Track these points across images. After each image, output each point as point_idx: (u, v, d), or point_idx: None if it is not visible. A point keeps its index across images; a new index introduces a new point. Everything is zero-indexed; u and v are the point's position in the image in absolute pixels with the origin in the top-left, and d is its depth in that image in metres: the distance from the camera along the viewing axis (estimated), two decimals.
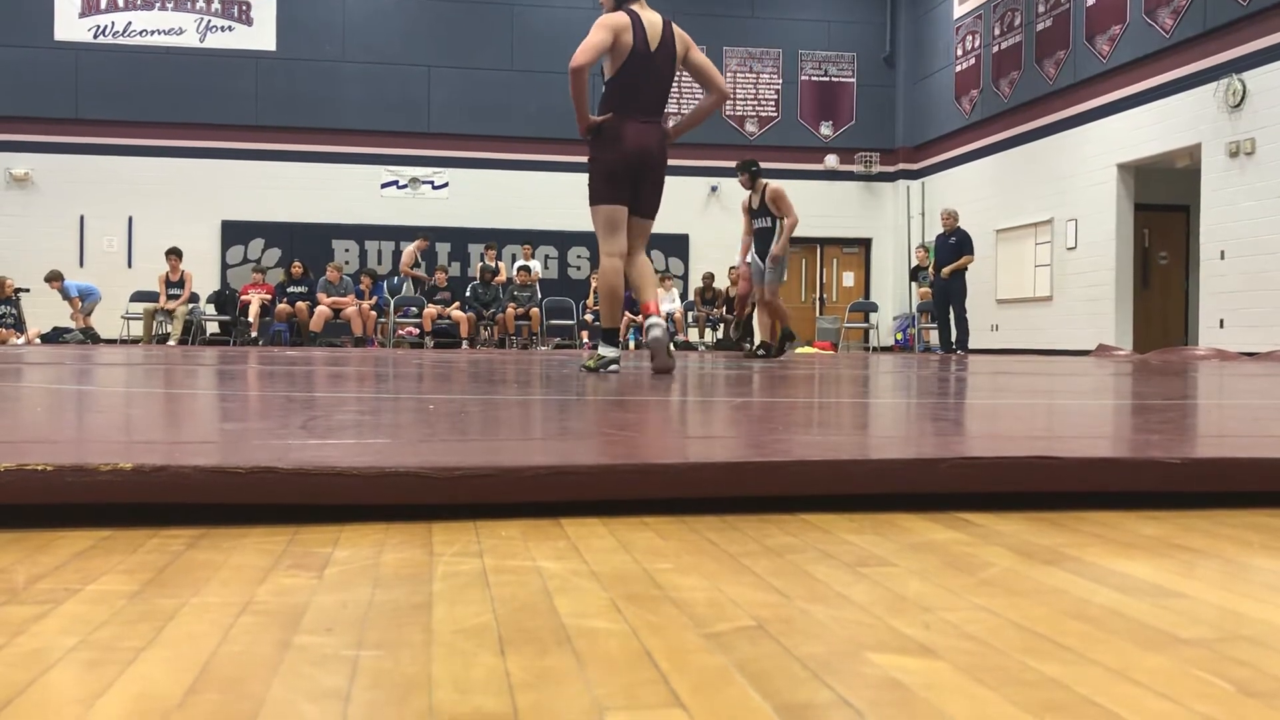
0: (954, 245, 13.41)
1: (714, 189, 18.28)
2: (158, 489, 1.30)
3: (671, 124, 5.52)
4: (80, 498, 1.29)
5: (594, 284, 16.54)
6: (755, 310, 9.73)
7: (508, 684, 0.74)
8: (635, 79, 5.07)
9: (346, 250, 17.34)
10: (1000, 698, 0.71)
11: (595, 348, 8.01)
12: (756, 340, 10.05)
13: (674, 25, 5.21)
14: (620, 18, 5.03)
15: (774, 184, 9.17)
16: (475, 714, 0.68)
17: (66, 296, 15.01)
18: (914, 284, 16.37)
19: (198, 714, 0.67)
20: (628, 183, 5.14)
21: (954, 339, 13.52)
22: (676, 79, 5.39)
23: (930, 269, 14.12)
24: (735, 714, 0.68)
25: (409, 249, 16.00)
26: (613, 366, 5.14)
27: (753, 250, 9.28)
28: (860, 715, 0.68)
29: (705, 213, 18.47)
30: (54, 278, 14.95)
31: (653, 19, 5.10)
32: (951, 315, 13.51)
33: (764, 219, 9.16)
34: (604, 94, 5.16)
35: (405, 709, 0.69)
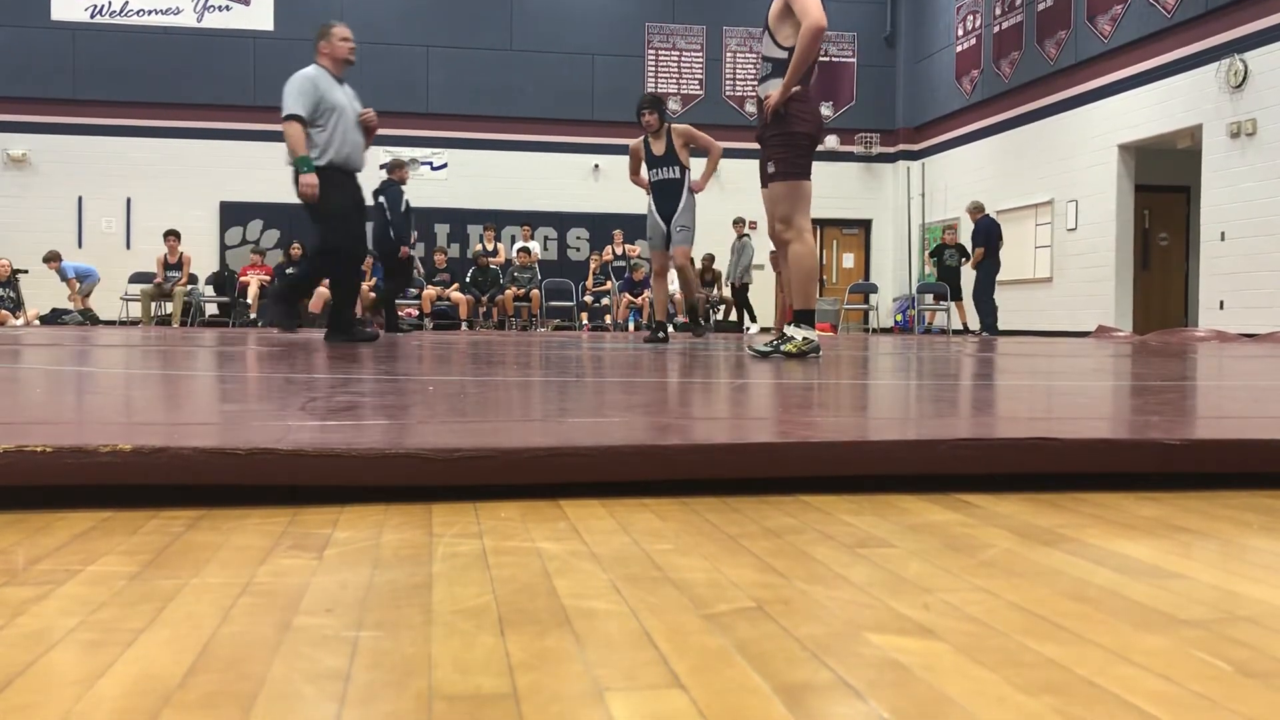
0: (973, 237, 14.05)
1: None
2: (157, 470, 1.30)
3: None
4: (80, 479, 1.29)
5: (594, 265, 16.49)
6: (653, 281, 8.36)
7: (507, 664, 0.74)
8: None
9: None
10: (999, 678, 0.71)
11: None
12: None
13: None
14: None
15: (680, 125, 7.74)
16: (475, 694, 0.68)
17: (64, 278, 14.98)
18: (933, 260, 16.13)
19: (198, 694, 0.67)
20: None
21: (979, 322, 13.95)
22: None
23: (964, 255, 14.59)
24: (735, 694, 0.68)
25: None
26: (817, 353, 4.82)
27: (651, 207, 7.80)
28: (859, 695, 0.68)
29: (704, 192, 18.42)
30: (52, 258, 14.92)
31: None
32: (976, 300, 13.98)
33: (670, 168, 7.65)
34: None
35: (405, 689, 0.69)
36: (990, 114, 16.64)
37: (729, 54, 18.49)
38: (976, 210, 14.16)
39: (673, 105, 18.02)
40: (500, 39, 17.86)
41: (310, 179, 6.23)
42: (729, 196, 16.98)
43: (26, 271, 15.09)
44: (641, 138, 7.73)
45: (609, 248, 16.58)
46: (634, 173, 8.11)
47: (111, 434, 1.42)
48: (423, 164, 17.80)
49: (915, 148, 18.98)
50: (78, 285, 15.07)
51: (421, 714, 0.65)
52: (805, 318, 4.87)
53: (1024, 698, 0.68)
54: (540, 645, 0.78)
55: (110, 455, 1.29)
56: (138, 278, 15.52)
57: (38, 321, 14.70)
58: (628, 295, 15.72)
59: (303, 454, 1.34)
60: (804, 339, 4.79)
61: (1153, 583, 0.99)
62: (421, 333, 11.86)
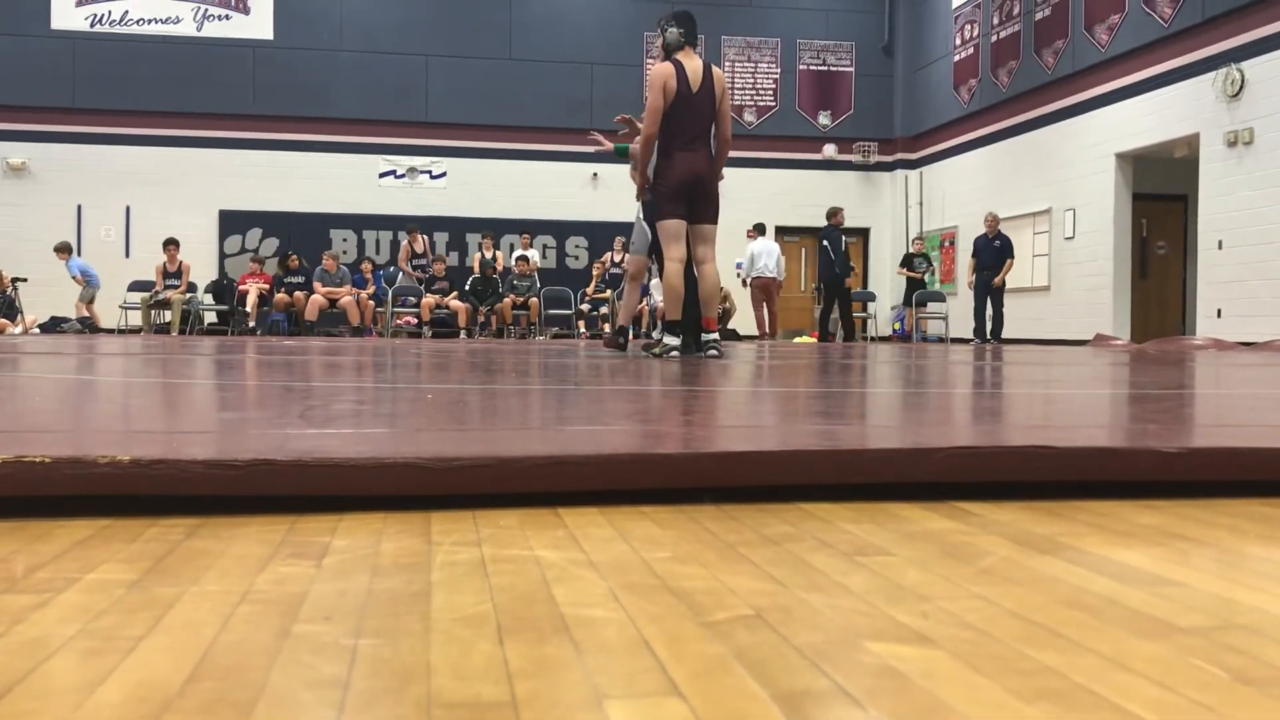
0: (999, 248, 14.21)
1: None
2: (155, 481, 1.30)
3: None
4: (78, 490, 1.29)
5: (596, 272, 16.51)
6: (627, 285, 7.75)
7: (506, 672, 0.74)
8: (680, 117, 6.01)
9: (344, 240, 17.30)
10: (997, 686, 0.72)
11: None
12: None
13: (714, 69, 6.15)
14: (665, 68, 6.03)
15: None
16: (474, 702, 0.68)
17: (71, 274, 15.05)
18: (905, 270, 16.55)
19: (197, 702, 0.68)
20: (682, 202, 6.12)
21: (990, 330, 14.26)
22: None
23: (971, 268, 14.69)
24: (733, 702, 0.68)
25: (404, 244, 15.95)
26: (674, 353, 6.22)
27: (640, 216, 7.19)
28: (858, 703, 0.68)
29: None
30: (62, 249, 15.04)
31: (694, 65, 6.05)
32: (991, 309, 14.24)
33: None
34: (661, 129, 6.10)
35: (404, 697, 0.69)
36: (988, 123, 16.66)
37: (728, 64, 18.52)
38: (995, 220, 14.43)
39: None
40: (499, 48, 17.89)
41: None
42: (731, 204, 16.98)
43: (26, 280, 15.09)
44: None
45: (609, 254, 16.60)
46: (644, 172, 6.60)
47: (110, 443, 1.42)
48: (422, 172, 17.82)
49: (913, 156, 19.00)
50: (84, 284, 15.09)
51: None
52: (669, 327, 6.36)
53: (1022, 705, 0.68)
54: (539, 653, 0.78)
55: (109, 466, 1.29)
56: (137, 286, 15.52)
57: (37, 330, 14.69)
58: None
59: (301, 464, 1.34)
60: (662, 344, 6.30)
61: (1151, 590, 0.99)
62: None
